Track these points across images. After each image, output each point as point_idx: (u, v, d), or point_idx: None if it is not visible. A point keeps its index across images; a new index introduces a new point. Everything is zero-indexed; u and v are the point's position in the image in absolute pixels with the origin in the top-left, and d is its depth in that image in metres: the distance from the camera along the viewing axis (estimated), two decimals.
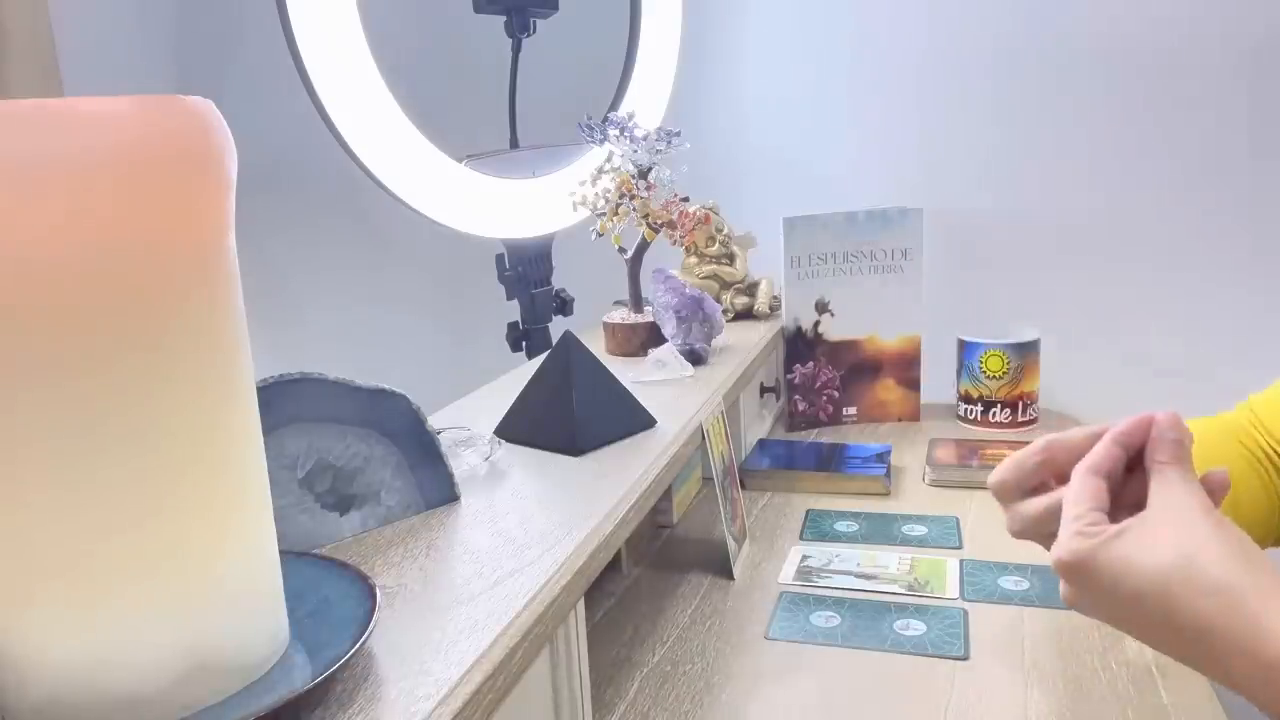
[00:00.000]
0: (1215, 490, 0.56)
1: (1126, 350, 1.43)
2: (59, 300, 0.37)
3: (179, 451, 0.40)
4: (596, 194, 1.09)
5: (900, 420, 1.31)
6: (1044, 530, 0.59)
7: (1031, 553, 0.90)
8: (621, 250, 1.11)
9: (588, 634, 0.64)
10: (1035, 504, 0.60)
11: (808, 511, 1.03)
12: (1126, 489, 0.58)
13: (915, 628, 0.78)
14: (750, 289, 1.32)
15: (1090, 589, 0.54)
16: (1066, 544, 0.54)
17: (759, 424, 1.26)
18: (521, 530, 0.63)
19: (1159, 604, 0.51)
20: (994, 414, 1.25)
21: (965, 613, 0.80)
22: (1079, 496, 0.56)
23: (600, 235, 1.08)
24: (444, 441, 0.70)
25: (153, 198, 0.39)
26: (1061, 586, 0.56)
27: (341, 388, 0.64)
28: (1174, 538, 0.52)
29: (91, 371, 0.38)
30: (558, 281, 1.29)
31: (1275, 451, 0.81)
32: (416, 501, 0.68)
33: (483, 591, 0.55)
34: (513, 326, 1.27)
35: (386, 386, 0.66)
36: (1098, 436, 0.59)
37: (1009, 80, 1.41)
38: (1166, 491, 0.54)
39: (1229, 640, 0.49)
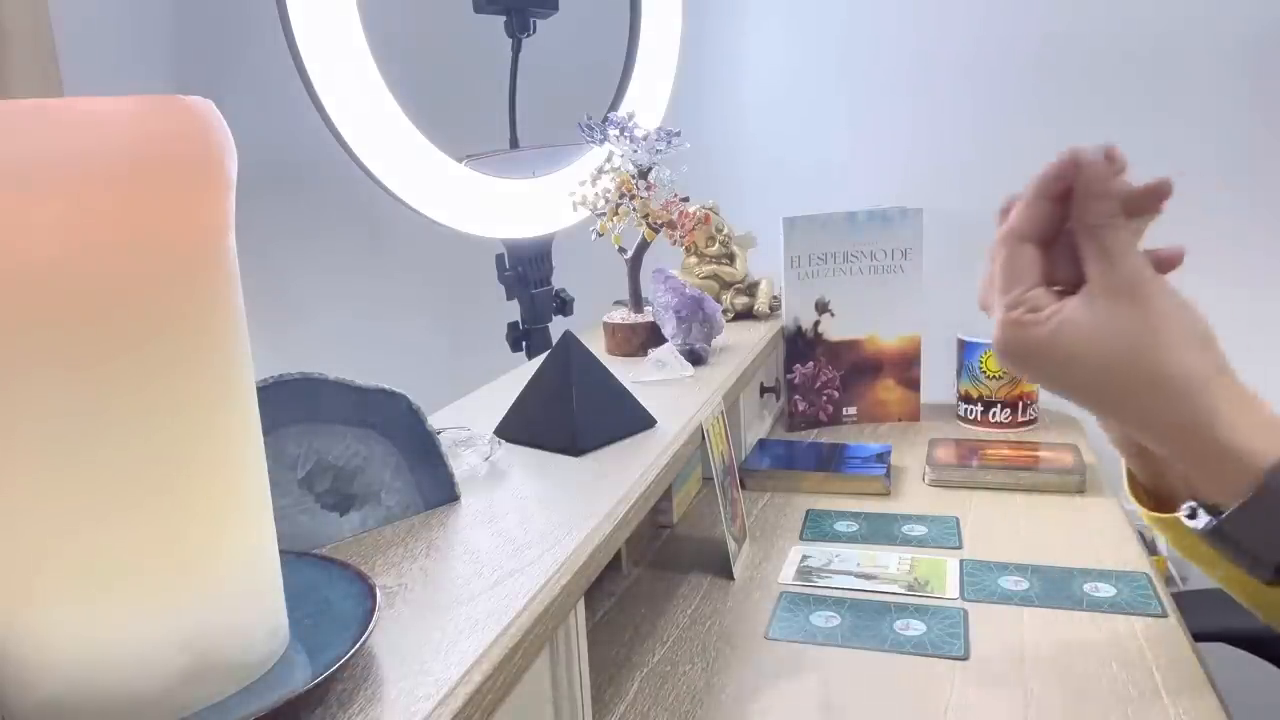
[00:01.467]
0: (1164, 262, 0.53)
1: None
2: (58, 301, 0.37)
3: (179, 451, 0.40)
4: (596, 194, 1.09)
5: (900, 420, 1.31)
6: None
7: (1031, 553, 0.90)
8: (621, 250, 1.11)
9: (588, 634, 0.64)
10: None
11: (808, 511, 1.03)
12: (1062, 245, 0.53)
13: (915, 628, 0.78)
14: (750, 289, 1.32)
15: (1033, 371, 0.52)
16: (1005, 334, 0.51)
17: (759, 424, 1.26)
18: (521, 530, 0.63)
19: (1113, 391, 0.50)
20: (994, 414, 1.25)
21: (965, 613, 0.80)
22: (1012, 275, 0.52)
23: (600, 235, 1.08)
24: (444, 441, 0.70)
25: (153, 198, 0.38)
26: (996, 358, 0.54)
27: (342, 388, 0.64)
28: (1123, 317, 0.50)
29: (90, 372, 0.38)
30: (558, 281, 1.29)
31: None
32: (416, 501, 0.68)
33: (483, 591, 0.55)
34: (513, 326, 1.27)
35: (386, 386, 0.66)
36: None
37: (1009, 80, 1.41)
38: (1108, 263, 0.51)
39: (1178, 425, 0.49)
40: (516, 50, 1.19)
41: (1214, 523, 0.50)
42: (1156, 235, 1.45)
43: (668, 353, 1.03)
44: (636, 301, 1.14)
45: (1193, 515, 0.52)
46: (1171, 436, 0.51)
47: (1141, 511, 0.59)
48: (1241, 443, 0.49)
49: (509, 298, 1.26)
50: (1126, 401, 0.51)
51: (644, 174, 1.08)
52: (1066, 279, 0.53)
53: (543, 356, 0.88)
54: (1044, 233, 0.53)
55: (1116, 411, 0.52)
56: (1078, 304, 0.51)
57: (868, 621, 0.79)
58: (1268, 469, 0.49)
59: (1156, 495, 0.60)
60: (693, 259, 1.32)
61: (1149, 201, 0.53)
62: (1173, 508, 0.56)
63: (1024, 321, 0.51)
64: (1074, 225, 0.53)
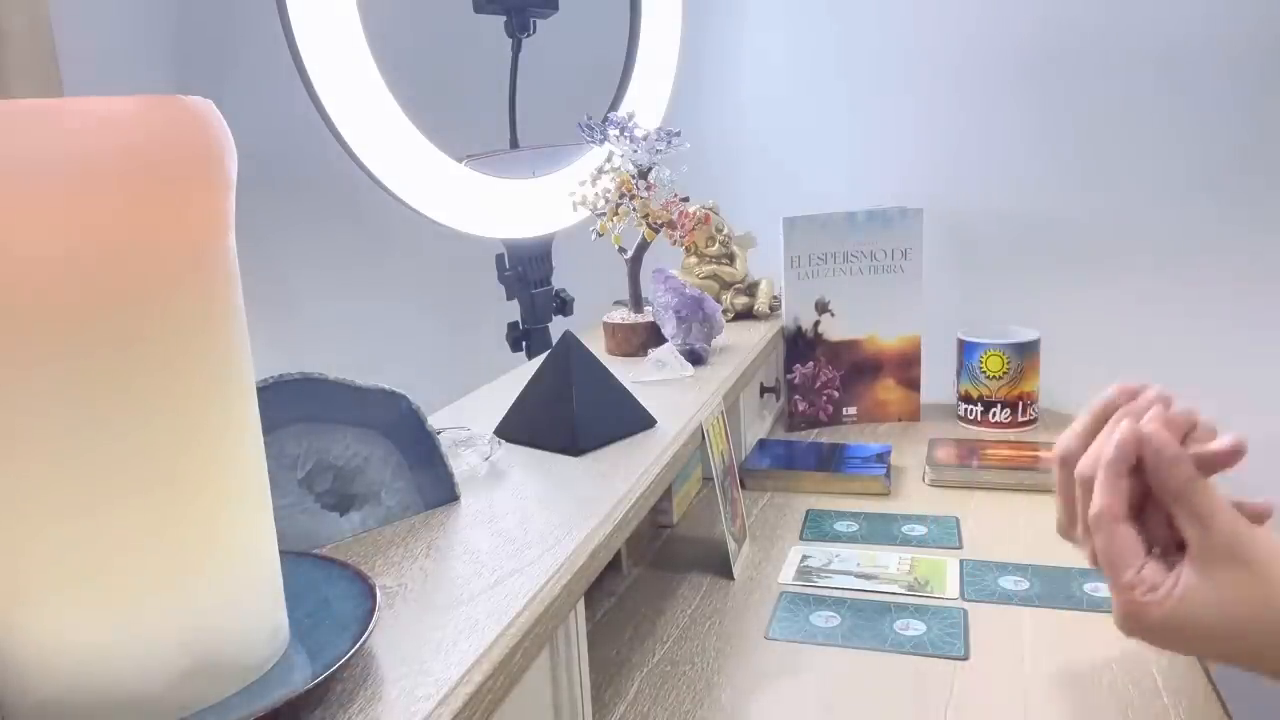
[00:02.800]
0: (1255, 517, 0.53)
1: (1126, 350, 1.43)
2: (59, 301, 0.37)
3: (179, 452, 0.40)
4: (596, 194, 1.09)
5: (900, 420, 1.31)
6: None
7: (1031, 553, 0.90)
8: (621, 250, 1.11)
9: (588, 634, 0.64)
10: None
11: (808, 511, 1.03)
12: (1151, 512, 0.54)
13: (915, 628, 0.78)
14: (750, 289, 1.32)
15: (1160, 643, 0.53)
16: (1128, 614, 0.52)
17: (759, 424, 1.26)
18: (521, 530, 0.63)
19: (1239, 649, 0.51)
20: (994, 414, 1.25)
21: (965, 613, 0.80)
22: (1119, 557, 0.53)
23: (600, 235, 1.08)
24: (444, 441, 0.70)
25: (153, 197, 0.39)
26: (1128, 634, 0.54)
27: (341, 388, 0.64)
28: (1237, 582, 0.50)
29: (90, 372, 0.38)
30: (558, 281, 1.29)
31: None
32: (416, 501, 0.68)
33: (483, 591, 0.55)
34: (513, 326, 1.27)
35: (386, 386, 0.66)
36: (1096, 426, 0.56)
37: (1010, 80, 1.41)
38: (1203, 528, 0.51)
39: None
40: (516, 50, 1.19)
41: None
42: (1157, 234, 1.44)
43: (668, 353, 1.03)
44: (636, 301, 1.14)
45: None
46: None
47: None
48: None
49: (509, 298, 1.26)
50: (1265, 655, 0.51)
51: (644, 174, 1.08)
52: (1164, 537, 0.54)
53: (543, 356, 0.88)
54: (1133, 507, 0.54)
55: (1259, 665, 0.52)
56: (1189, 575, 0.51)
57: (868, 621, 0.79)
58: None
59: None
60: (693, 259, 1.32)
61: (1226, 460, 0.53)
62: None
63: (1144, 603, 0.52)
64: (1158, 494, 0.53)
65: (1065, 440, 0.58)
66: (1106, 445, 0.54)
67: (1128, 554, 0.53)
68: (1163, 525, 0.54)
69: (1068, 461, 0.58)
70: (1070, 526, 0.59)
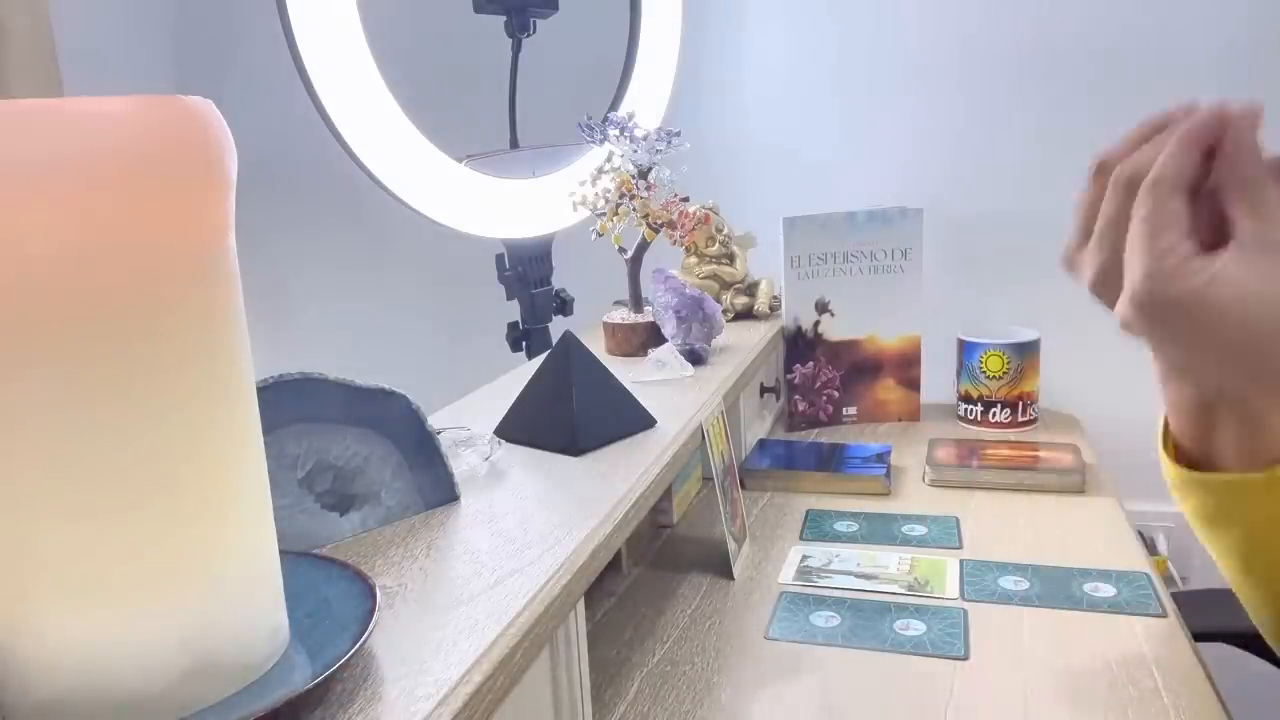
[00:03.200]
0: None
1: (1126, 350, 1.42)
2: (59, 301, 0.37)
3: (179, 451, 0.40)
4: (596, 194, 1.09)
5: (900, 420, 1.31)
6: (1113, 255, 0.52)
7: (1031, 553, 0.90)
8: (621, 250, 1.11)
9: (588, 634, 0.64)
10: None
11: (808, 511, 1.03)
12: (1200, 205, 0.50)
13: (915, 628, 0.78)
14: (750, 289, 1.32)
15: (1172, 328, 0.49)
16: (1155, 282, 0.48)
17: (759, 424, 1.26)
18: (521, 530, 0.63)
19: (1259, 349, 0.48)
20: (994, 414, 1.25)
21: (965, 613, 0.80)
22: (1163, 222, 0.49)
23: (600, 235, 1.08)
24: (444, 441, 0.70)
25: (153, 197, 0.38)
26: (1129, 316, 0.50)
27: (341, 388, 0.64)
28: (1271, 280, 0.47)
29: (90, 372, 0.38)
30: (558, 281, 1.29)
31: None
32: (416, 501, 0.68)
33: (483, 591, 0.55)
34: (513, 326, 1.27)
35: (386, 386, 0.66)
36: (1152, 133, 0.52)
37: (1010, 81, 1.41)
38: (1261, 219, 0.48)
39: None
40: (516, 50, 1.19)
41: None
42: None
43: (668, 353, 1.03)
44: (636, 301, 1.14)
45: None
46: None
47: (1176, 471, 0.58)
48: None
49: (509, 298, 1.26)
50: (1271, 355, 0.48)
51: (644, 174, 1.08)
52: (1206, 240, 0.50)
53: (543, 356, 0.88)
54: (1191, 185, 0.50)
55: (1253, 364, 0.49)
56: (1232, 258, 0.48)
57: (868, 621, 0.79)
58: None
59: (1190, 457, 0.58)
60: (693, 259, 1.32)
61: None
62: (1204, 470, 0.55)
63: (1178, 272, 0.48)
64: (1221, 181, 0.50)
65: (1109, 148, 0.54)
66: (1191, 119, 0.51)
67: (1171, 222, 0.49)
68: (1205, 228, 0.50)
69: (1106, 168, 0.53)
70: (1081, 244, 0.54)
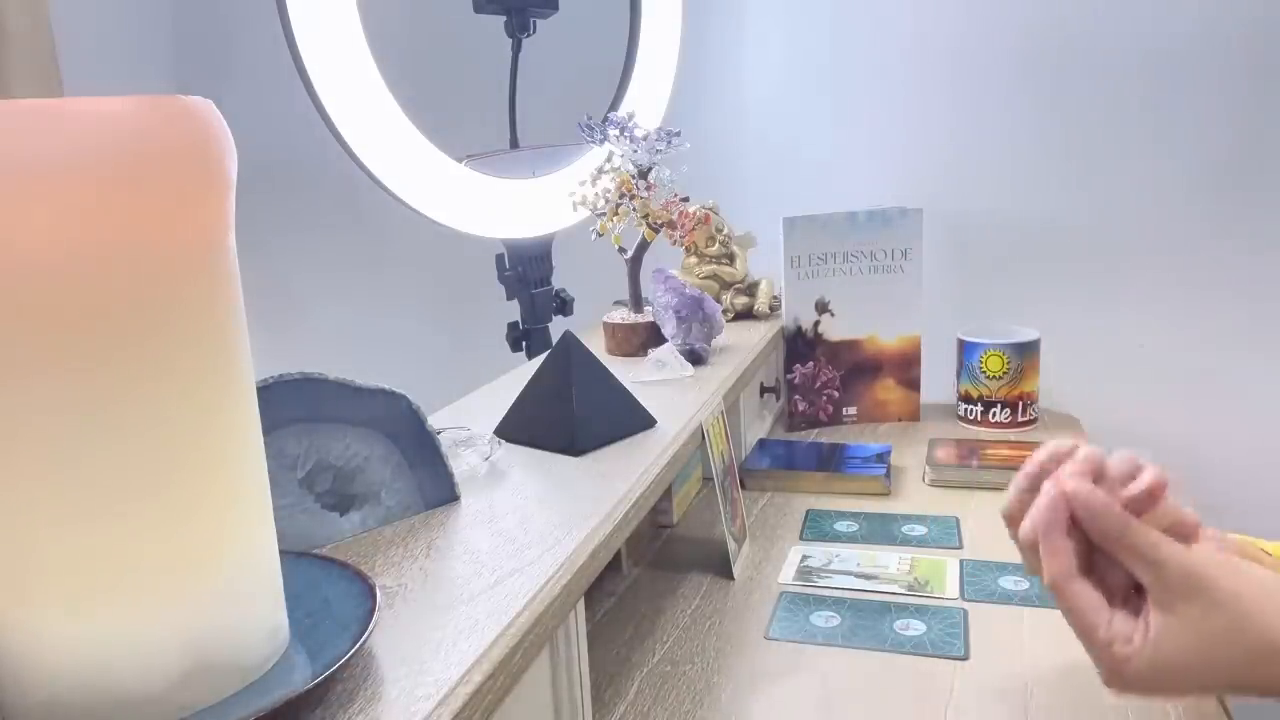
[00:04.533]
0: (1190, 533, 0.54)
1: (1126, 350, 1.43)
2: (59, 300, 0.37)
3: (179, 451, 0.40)
4: (596, 194, 1.09)
5: (900, 420, 1.31)
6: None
7: None
8: (621, 250, 1.11)
9: (588, 634, 0.64)
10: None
11: (808, 511, 1.03)
12: (1103, 561, 0.54)
13: (915, 628, 0.78)
14: (750, 289, 1.32)
15: (1150, 689, 0.53)
16: (1115, 673, 0.52)
17: (759, 424, 1.26)
18: (521, 530, 0.63)
19: (1222, 681, 0.51)
20: (994, 414, 1.25)
21: (965, 613, 0.80)
22: (1085, 619, 0.53)
23: (600, 235, 1.08)
24: (444, 441, 0.70)
25: (153, 198, 0.38)
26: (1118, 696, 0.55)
27: (341, 388, 0.64)
28: (1205, 618, 0.50)
29: (90, 372, 0.38)
30: (558, 281, 1.29)
31: None
32: (416, 501, 0.68)
33: (483, 591, 0.55)
34: (513, 326, 1.27)
35: (386, 386, 0.66)
36: (1029, 488, 0.56)
37: (1010, 80, 1.41)
38: (1156, 571, 0.52)
39: None
40: (516, 50, 1.19)
41: None
42: (1156, 234, 1.45)
43: (668, 353, 1.03)
44: (636, 301, 1.14)
45: None
46: None
47: None
48: None
49: (509, 298, 1.26)
50: (1248, 681, 0.51)
51: (644, 174, 1.08)
52: (1122, 583, 0.54)
53: (543, 356, 0.88)
54: (1080, 561, 0.54)
55: (1245, 690, 0.52)
56: (1155, 617, 0.52)
57: (868, 621, 0.79)
58: None
59: None
60: (693, 259, 1.32)
61: (1149, 500, 0.53)
62: None
63: (1124, 656, 0.52)
64: (1100, 546, 0.54)
65: (1006, 502, 0.58)
66: (1040, 514, 0.54)
67: (1091, 612, 0.53)
68: (1118, 572, 0.54)
69: (1012, 522, 0.58)
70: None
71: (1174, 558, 0.51)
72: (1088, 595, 0.53)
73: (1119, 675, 0.52)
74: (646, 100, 1.37)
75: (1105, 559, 0.54)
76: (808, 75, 1.49)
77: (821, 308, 1.27)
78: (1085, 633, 0.53)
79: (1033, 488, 0.56)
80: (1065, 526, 0.54)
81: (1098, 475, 0.54)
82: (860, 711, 0.68)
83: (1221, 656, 0.50)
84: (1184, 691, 0.53)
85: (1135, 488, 0.53)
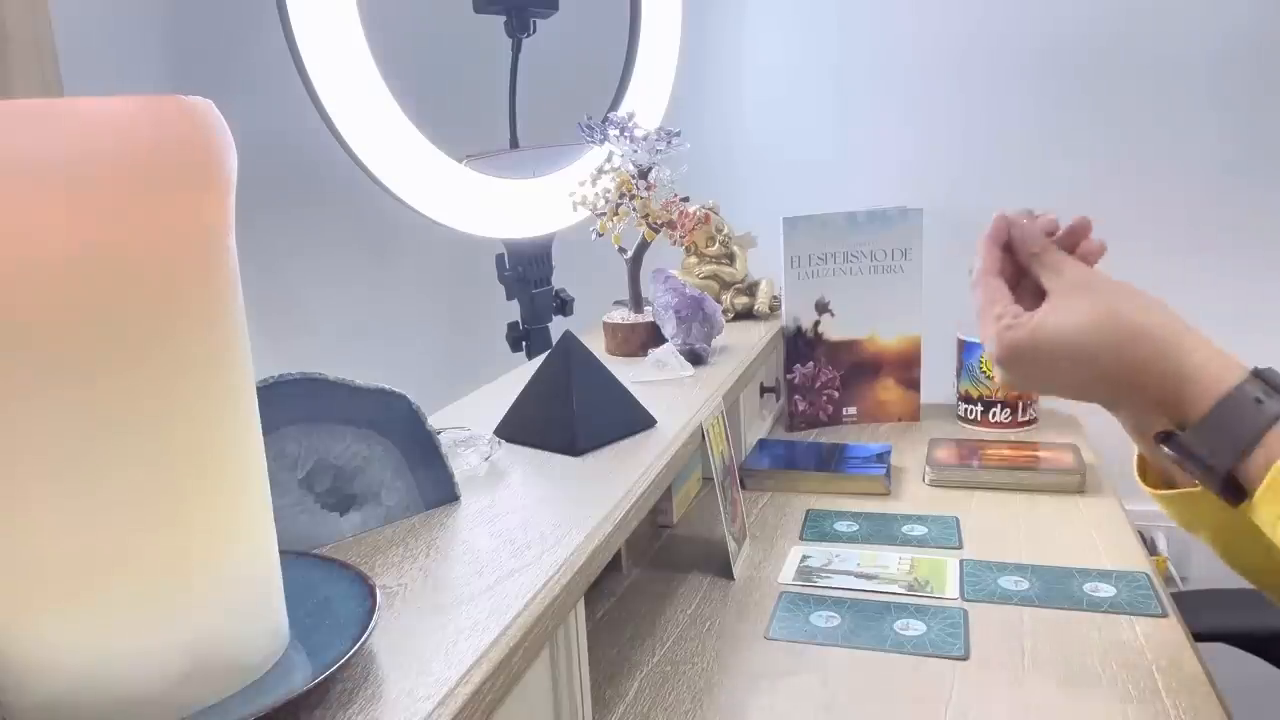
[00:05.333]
0: (1092, 255, 0.66)
1: None
2: (59, 300, 0.37)
3: (179, 452, 0.40)
4: (596, 194, 1.09)
5: (900, 420, 1.31)
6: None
7: (1031, 553, 0.90)
8: (621, 250, 1.11)
9: (588, 634, 0.64)
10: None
11: (808, 511, 1.03)
12: (1020, 283, 0.66)
13: (915, 628, 0.78)
14: (750, 289, 1.32)
15: (1029, 371, 0.63)
16: (1001, 339, 0.62)
17: (759, 424, 1.26)
18: (521, 530, 0.63)
19: (1093, 365, 0.60)
20: (994, 414, 1.25)
21: (965, 613, 0.80)
22: (990, 298, 0.64)
23: (600, 235, 1.08)
24: (444, 441, 0.70)
25: (152, 198, 0.38)
26: (1000, 374, 0.64)
27: (341, 388, 0.64)
28: (1085, 305, 0.61)
29: (90, 371, 0.38)
30: (558, 281, 1.29)
31: None
32: (416, 501, 0.68)
33: (483, 591, 0.55)
34: (513, 326, 1.27)
35: (386, 386, 0.66)
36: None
37: (1009, 81, 1.41)
38: (1056, 273, 0.63)
39: (1157, 373, 0.58)
40: (516, 50, 1.19)
41: (1174, 436, 0.59)
42: (1156, 233, 1.44)
43: (668, 353, 1.03)
44: (636, 301, 1.14)
45: (1164, 441, 0.60)
46: (1157, 385, 0.59)
47: (1149, 492, 0.67)
48: (1210, 372, 0.58)
49: (509, 298, 1.26)
50: (1116, 368, 0.60)
51: (644, 174, 1.08)
52: (1030, 298, 0.65)
53: (543, 356, 0.88)
54: (1002, 270, 0.66)
55: (1108, 384, 0.61)
56: (1046, 306, 0.62)
57: (868, 621, 0.79)
58: (1223, 391, 0.57)
59: (1166, 481, 0.66)
60: (693, 259, 1.32)
61: (1075, 237, 0.66)
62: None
63: (1009, 326, 0.62)
64: (1023, 262, 0.66)
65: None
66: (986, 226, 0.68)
67: (997, 296, 0.64)
68: (1029, 300, 0.64)
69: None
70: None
71: (1076, 266, 0.64)
72: (998, 286, 0.65)
73: (1002, 344, 0.62)
74: (646, 100, 1.37)
75: (1023, 291, 0.66)
76: (808, 75, 1.49)
77: (821, 308, 1.27)
78: (985, 310, 0.64)
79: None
80: (1001, 241, 0.67)
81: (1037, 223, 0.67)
82: (860, 711, 0.68)
83: (1093, 340, 0.60)
84: (1051, 376, 0.63)
85: (1062, 227, 0.67)
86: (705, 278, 1.30)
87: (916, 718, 0.67)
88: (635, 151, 1.08)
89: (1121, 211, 1.39)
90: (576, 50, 1.33)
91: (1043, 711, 0.67)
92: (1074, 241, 0.66)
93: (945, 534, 0.96)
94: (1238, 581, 0.68)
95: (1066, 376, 0.62)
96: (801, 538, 0.97)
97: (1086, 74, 1.37)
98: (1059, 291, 0.63)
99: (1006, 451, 1.14)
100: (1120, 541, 0.92)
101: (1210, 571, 0.64)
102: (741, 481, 1.09)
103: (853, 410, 1.30)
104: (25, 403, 0.37)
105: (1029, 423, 1.26)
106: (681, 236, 1.09)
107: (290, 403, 0.62)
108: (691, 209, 1.11)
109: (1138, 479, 0.68)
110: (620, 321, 1.13)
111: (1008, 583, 0.85)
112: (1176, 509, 0.66)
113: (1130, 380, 0.60)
